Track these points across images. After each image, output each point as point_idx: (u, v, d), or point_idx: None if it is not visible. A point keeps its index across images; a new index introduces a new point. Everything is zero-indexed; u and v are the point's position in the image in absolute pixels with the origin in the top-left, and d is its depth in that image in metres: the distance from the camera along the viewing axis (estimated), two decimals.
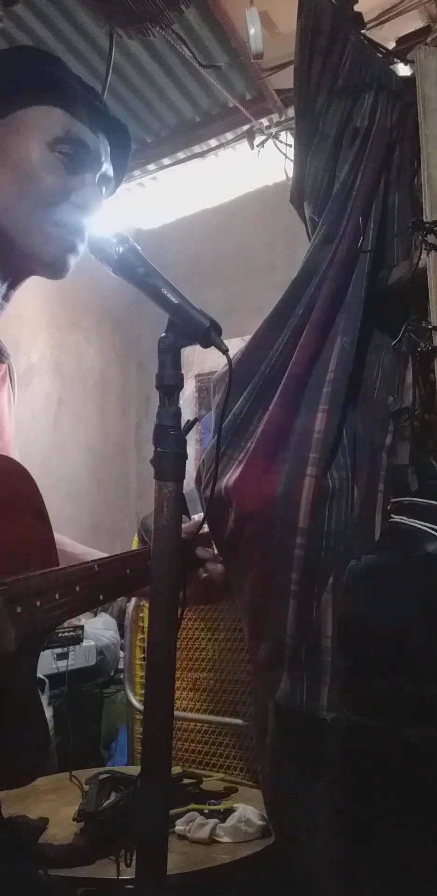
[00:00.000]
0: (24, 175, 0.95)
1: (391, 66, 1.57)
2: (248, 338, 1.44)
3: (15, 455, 1.05)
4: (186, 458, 0.84)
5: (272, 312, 1.43)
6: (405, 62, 1.56)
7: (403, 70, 1.58)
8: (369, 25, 1.78)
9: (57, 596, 0.90)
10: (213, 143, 3.13)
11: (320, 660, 1.24)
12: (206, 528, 1.17)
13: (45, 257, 0.99)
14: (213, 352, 0.85)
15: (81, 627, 2.81)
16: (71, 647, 2.70)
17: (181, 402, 0.85)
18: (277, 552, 1.27)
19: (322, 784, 1.23)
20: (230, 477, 1.33)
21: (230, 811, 1.40)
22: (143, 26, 2.34)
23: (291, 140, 2.63)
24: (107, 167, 1.03)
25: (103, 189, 1.04)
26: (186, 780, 1.56)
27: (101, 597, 0.99)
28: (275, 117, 2.89)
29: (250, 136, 2.90)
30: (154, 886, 0.79)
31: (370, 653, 1.16)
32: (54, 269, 1.00)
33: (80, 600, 0.94)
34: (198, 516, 1.21)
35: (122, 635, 2.96)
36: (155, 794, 0.80)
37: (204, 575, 1.14)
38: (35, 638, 0.88)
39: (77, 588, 0.93)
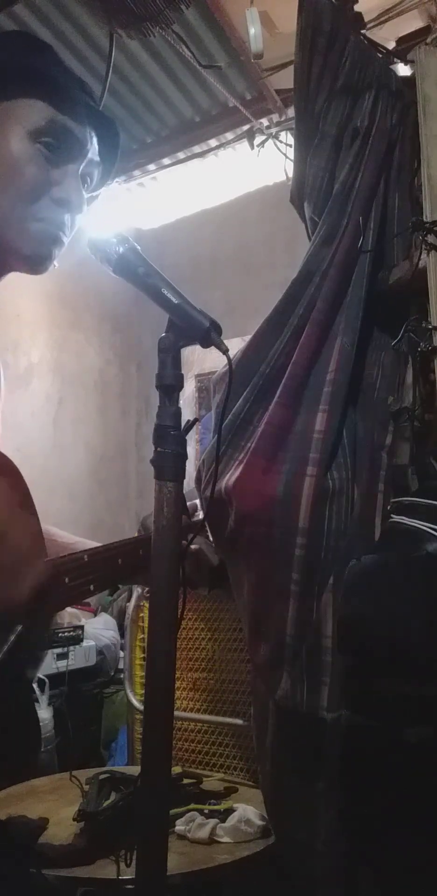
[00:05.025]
0: (4, 166, 0.94)
1: (391, 66, 1.57)
2: (248, 338, 1.44)
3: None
4: (187, 458, 0.84)
5: (272, 312, 1.43)
6: (405, 62, 1.56)
7: (403, 70, 1.58)
8: (369, 25, 1.77)
9: None
10: (213, 143, 3.13)
11: (321, 660, 1.24)
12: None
13: (24, 252, 0.97)
14: (213, 352, 0.85)
15: (81, 627, 2.81)
16: (71, 647, 2.70)
17: (181, 402, 0.85)
18: (277, 552, 1.27)
19: (322, 784, 1.23)
20: (230, 477, 1.33)
21: (230, 811, 1.40)
22: (143, 26, 2.34)
23: (291, 140, 2.63)
24: (93, 155, 1.02)
25: (89, 179, 1.03)
26: (186, 780, 1.56)
27: (92, 587, 0.98)
28: (275, 117, 2.89)
29: (250, 136, 2.89)
30: (154, 886, 0.79)
31: (370, 653, 1.16)
32: (32, 265, 0.99)
33: (69, 592, 0.94)
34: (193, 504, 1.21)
35: (122, 635, 2.96)
36: (155, 794, 0.80)
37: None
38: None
39: (66, 580, 0.93)
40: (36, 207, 0.96)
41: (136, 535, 1.29)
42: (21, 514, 0.90)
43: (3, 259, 1.00)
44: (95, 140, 1.02)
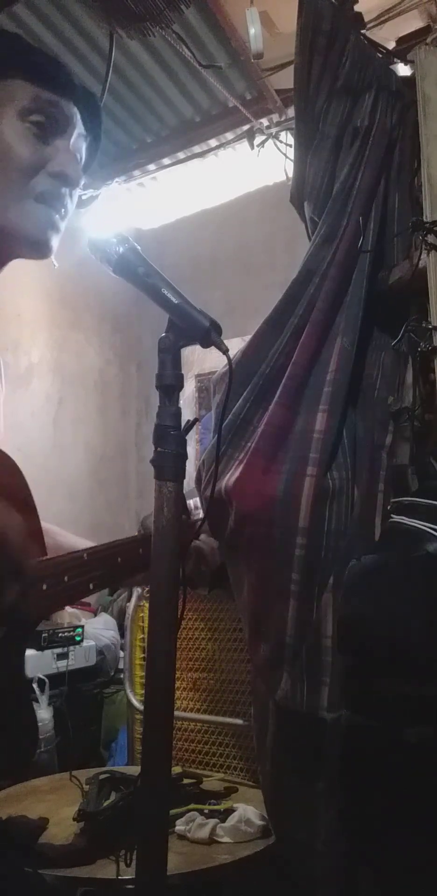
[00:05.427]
0: None
1: (391, 66, 1.57)
2: (248, 338, 1.44)
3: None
4: (187, 458, 0.84)
5: (272, 312, 1.43)
6: (405, 62, 1.56)
7: (403, 70, 1.58)
8: (369, 25, 1.77)
9: (44, 587, 0.90)
10: (213, 143, 3.13)
11: (321, 660, 1.24)
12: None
13: (28, 234, 0.98)
14: (213, 352, 0.85)
15: (81, 627, 2.81)
16: (71, 647, 2.70)
17: (181, 402, 0.85)
18: (277, 552, 1.27)
19: (322, 784, 1.23)
20: (230, 477, 1.33)
21: (230, 811, 1.40)
22: (143, 26, 2.34)
23: (291, 140, 2.63)
24: (79, 129, 1.02)
25: (78, 154, 1.03)
26: (186, 780, 1.56)
27: (91, 586, 0.98)
28: (275, 117, 2.89)
29: (250, 136, 2.89)
30: (154, 886, 0.79)
31: (370, 653, 1.16)
32: (37, 247, 0.99)
33: (69, 590, 0.94)
34: (193, 501, 1.22)
35: (122, 635, 2.96)
36: (155, 794, 0.80)
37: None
38: (22, 629, 0.88)
39: (65, 578, 0.93)
40: (33, 184, 0.96)
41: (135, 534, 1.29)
42: (17, 516, 0.90)
43: (7, 245, 0.99)
44: (78, 114, 1.03)
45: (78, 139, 1.02)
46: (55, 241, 1.00)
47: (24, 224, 0.97)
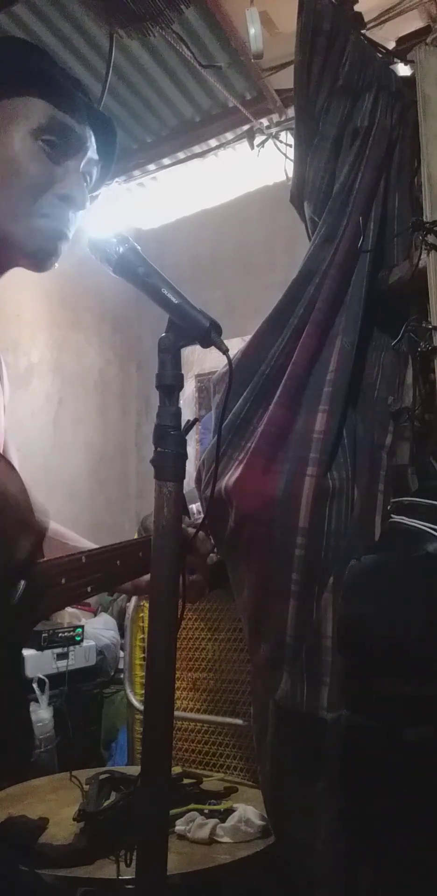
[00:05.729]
0: (7, 164, 0.95)
1: (391, 66, 1.57)
2: (248, 338, 1.44)
3: (10, 452, 1.04)
4: (187, 458, 0.84)
5: (272, 312, 1.43)
6: (405, 62, 1.56)
7: (403, 70, 1.58)
8: (369, 25, 1.77)
9: None
10: (213, 143, 3.13)
11: (321, 660, 1.24)
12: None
13: (29, 248, 0.98)
14: (213, 352, 0.85)
15: (81, 627, 2.81)
16: (71, 647, 2.70)
17: (181, 402, 0.85)
18: (277, 552, 1.27)
19: (322, 784, 1.23)
20: (230, 477, 1.33)
21: (230, 811, 1.40)
22: (143, 26, 2.34)
23: (291, 140, 2.63)
24: (92, 153, 1.03)
25: (89, 178, 1.04)
26: (186, 780, 1.56)
27: (89, 589, 0.98)
28: (275, 117, 2.89)
29: (250, 136, 2.89)
30: (154, 886, 0.79)
31: (370, 653, 1.16)
32: (37, 261, 1.00)
33: (66, 592, 0.93)
34: (195, 506, 1.21)
35: (122, 635, 2.96)
36: (155, 794, 0.80)
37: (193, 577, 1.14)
38: (18, 631, 0.88)
39: (63, 580, 0.92)
40: (40, 204, 0.97)
41: (136, 535, 1.29)
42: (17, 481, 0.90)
43: (8, 255, 1.00)
44: (93, 138, 1.03)
45: (89, 163, 1.03)
46: (55, 259, 1.01)
47: (27, 239, 0.98)
